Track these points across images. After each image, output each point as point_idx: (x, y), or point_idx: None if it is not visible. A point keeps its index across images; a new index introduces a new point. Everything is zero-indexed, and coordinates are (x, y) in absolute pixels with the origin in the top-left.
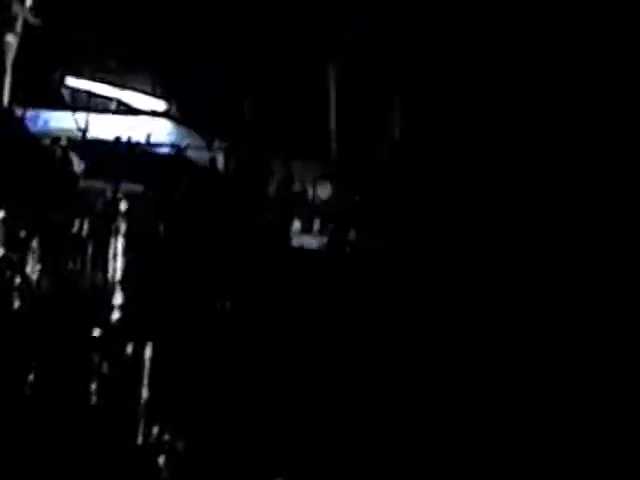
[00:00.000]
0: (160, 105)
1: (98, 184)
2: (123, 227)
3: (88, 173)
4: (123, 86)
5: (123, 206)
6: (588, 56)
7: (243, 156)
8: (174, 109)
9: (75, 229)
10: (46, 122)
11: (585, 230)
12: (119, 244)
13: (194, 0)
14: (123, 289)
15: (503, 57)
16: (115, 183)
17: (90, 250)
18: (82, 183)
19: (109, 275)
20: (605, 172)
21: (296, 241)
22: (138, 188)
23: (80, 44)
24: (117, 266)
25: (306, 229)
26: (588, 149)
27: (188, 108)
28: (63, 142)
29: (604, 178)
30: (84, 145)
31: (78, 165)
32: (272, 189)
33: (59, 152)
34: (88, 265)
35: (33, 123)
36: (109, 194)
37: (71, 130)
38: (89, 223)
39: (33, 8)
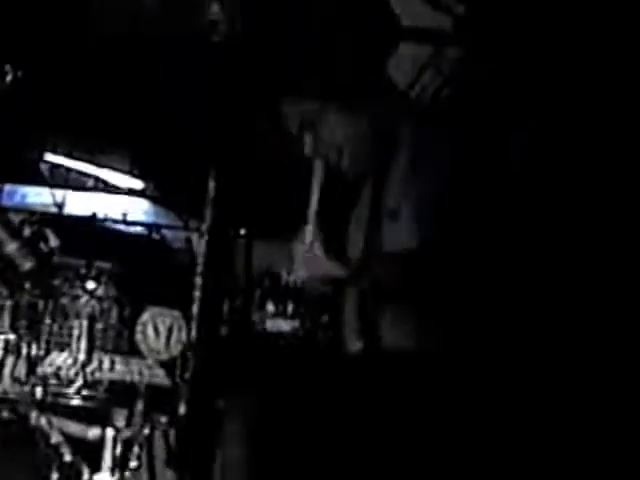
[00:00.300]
0: (137, 184)
1: (72, 261)
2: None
3: (63, 250)
4: (101, 164)
5: (92, 285)
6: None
7: (216, 237)
8: (151, 188)
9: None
10: (23, 197)
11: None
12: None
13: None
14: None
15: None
16: (89, 261)
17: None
18: (56, 259)
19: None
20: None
21: (269, 325)
22: (111, 266)
23: (58, 121)
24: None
25: (280, 312)
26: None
27: (165, 187)
28: (38, 217)
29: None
30: (60, 221)
31: (53, 241)
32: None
33: (33, 228)
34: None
35: (10, 198)
36: (83, 271)
37: (48, 205)
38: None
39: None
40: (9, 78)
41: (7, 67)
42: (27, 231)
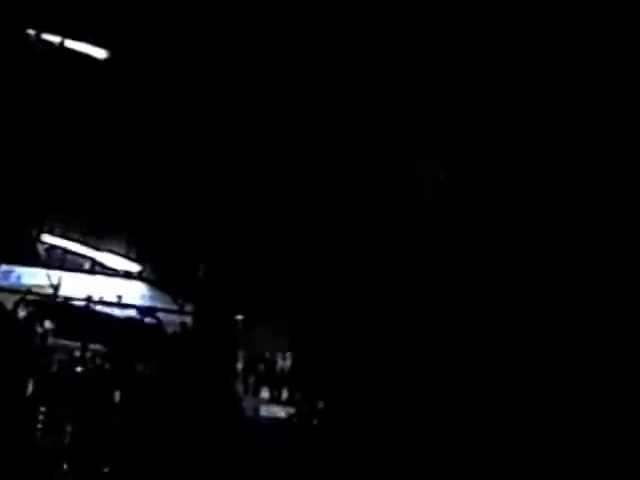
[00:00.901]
0: (134, 267)
1: (67, 342)
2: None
3: (57, 331)
4: (98, 247)
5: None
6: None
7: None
8: (147, 272)
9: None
10: (19, 277)
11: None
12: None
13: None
14: None
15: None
16: (83, 343)
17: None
18: (51, 340)
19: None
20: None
21: (264, 410)
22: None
23: (56, 202)
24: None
25: (275, 398)
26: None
27: (161, 272)
28: (32, 298)
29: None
30: (56, 302)
31: (48, 322)
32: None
33: (28, 309)
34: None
35: (5, 278)
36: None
37: (44, 286)
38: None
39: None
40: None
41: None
42: (22, 312)
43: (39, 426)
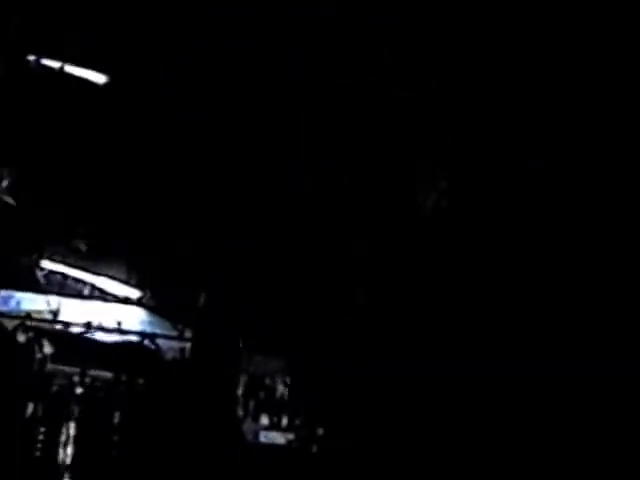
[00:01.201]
0: (134, 293)
1: (66, 368)
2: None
3: (56, 357)
4: (98, 272)
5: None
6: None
7: (211, 348)
8: (147, 298)
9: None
10: (18, 303)
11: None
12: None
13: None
14: None
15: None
16: (82, 369)
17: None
18: (49, 366)
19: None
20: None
21: (263, 436)
22: (105, 374)
23: (55, 228)
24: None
25: (274, 425)
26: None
27: (161, 297)
28: (31, 323)
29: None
30: (55, 328)
31: (47, 347)
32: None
33: (27, 335)
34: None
35: (5, 303)
36: (75, 379)
37: (43, 312)
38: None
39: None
40: (6, 183)
41: (4, 171)
42: (21, 337)
43: (39, 445)
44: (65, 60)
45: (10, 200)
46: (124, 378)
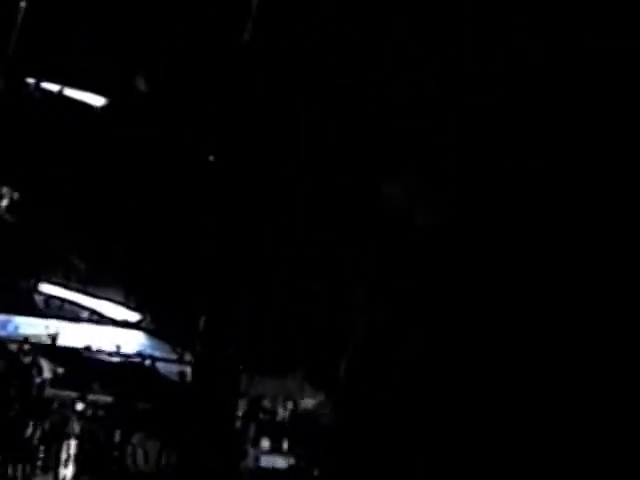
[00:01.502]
0: (133, 316)
1: (65, 393)
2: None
3: (56, 381)
4: (97, 295)
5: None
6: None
7: (211, 371)
8: (147, 321)
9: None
10: (17, 327)
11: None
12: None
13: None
14: None
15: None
16: (82, 393)
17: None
18: (49, 391)
19: None
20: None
21: (264, 461)
22: (105, 398)
23: (54, 251)
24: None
25: (276, 448)
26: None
27: (161, 321)
28: (29, 347)
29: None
30: (54, 352)
31: (47, 372)
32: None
33: (27, 359)
34: None
35: (3, 328)
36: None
37: (41, 336)
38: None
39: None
40: (6, 202)
41: (4, 190)
42: (25, 359)
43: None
44: (64, 83)
45: (9, 218)
46: (124, 401)
